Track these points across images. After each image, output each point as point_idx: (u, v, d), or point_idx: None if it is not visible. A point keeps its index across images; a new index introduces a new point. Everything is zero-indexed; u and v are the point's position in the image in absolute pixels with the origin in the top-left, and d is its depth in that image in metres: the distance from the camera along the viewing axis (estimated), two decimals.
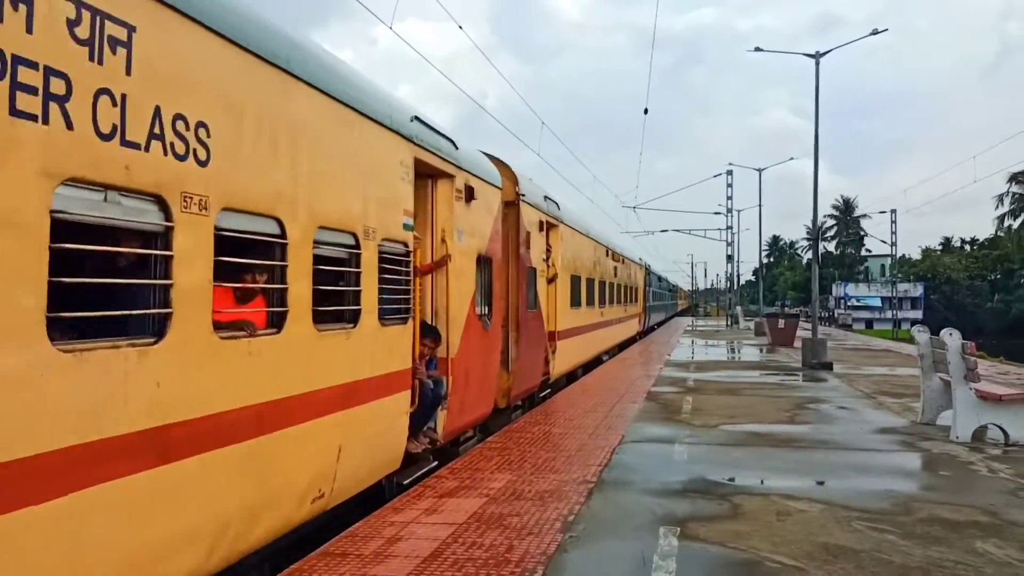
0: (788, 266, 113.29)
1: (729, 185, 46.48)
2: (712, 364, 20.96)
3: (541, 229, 13.07)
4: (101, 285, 3.77)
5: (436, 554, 5.25)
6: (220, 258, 4.30)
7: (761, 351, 26.54)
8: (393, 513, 6.26)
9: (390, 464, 6.77)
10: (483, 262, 9.56)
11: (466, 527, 5.87)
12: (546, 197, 13.74)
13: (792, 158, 65.67)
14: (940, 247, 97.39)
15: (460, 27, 12.95)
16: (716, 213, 50.07)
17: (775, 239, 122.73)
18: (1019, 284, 77.52)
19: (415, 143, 7.15)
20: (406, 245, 6.95)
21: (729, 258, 49.58)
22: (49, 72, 3.18)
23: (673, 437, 9.70)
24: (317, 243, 5.34)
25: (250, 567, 4.97)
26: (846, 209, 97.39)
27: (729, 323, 49.20)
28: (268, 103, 4.82)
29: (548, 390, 14.32)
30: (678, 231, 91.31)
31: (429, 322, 8.05)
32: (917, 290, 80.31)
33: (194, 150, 4.09)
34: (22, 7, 3.04)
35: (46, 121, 3.17)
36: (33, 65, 3.10)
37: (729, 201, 47.15)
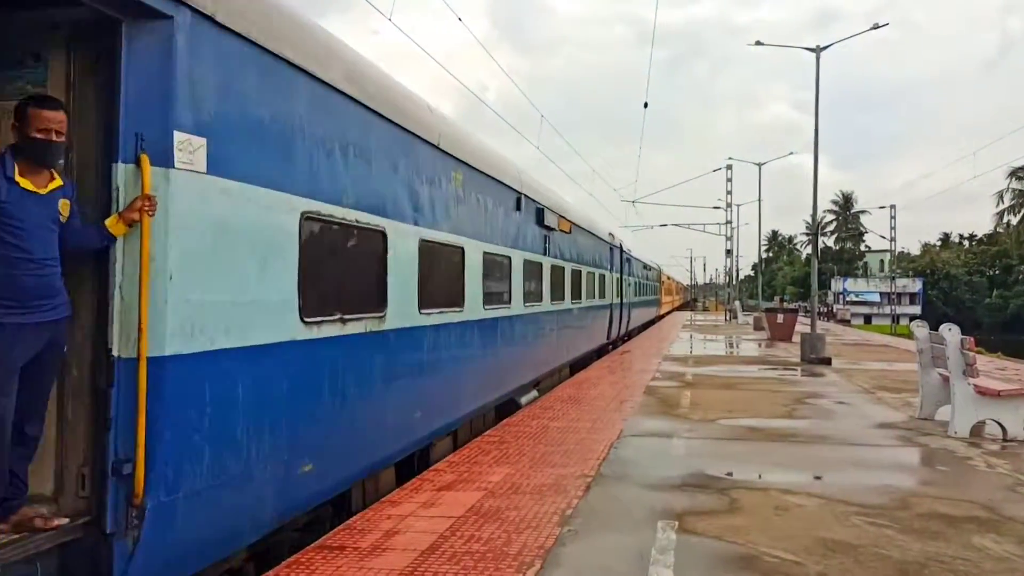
0: (787, 261, 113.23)
1: (729, 180, 46.43)
2: (710, 359, 20.97)
3: None
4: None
5: (434, 547, 5.25)
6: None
7: (759, 346, 26.55)
8: (391, 506, 6.26)
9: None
10: None
11: (464, 520, 5.87)
12: None
13: (792, 152, 65.82)
14: (939, 243, 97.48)
15: (460, 19, 12.90)
16: (715, 207, 50.03)
17: (774, 234, 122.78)
18: (1017, 280, 77.58)
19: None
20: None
21: (728, 253, 49.56)
22: None
23: (671, 431, 9.70)
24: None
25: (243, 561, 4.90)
26: (845, 204, 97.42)
27: (728, 318, 49.20)
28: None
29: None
30: (677, 225, 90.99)
31: None
32: (916, 286, 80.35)
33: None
34: None
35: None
36: None
37: (729, 196, 47.11)
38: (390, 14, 10.93)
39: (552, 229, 13.28)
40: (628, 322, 27.60)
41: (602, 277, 20.53)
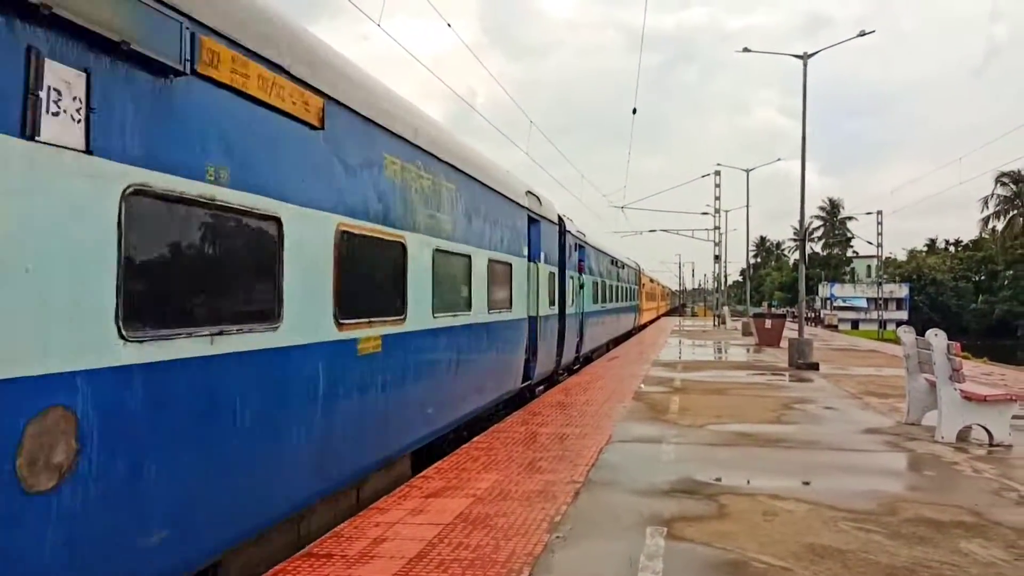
0: (775, 267, 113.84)
1: (717, 185, 46.59)
2: (699, 364, 21.00)
3: None
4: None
5: (422, 555, 5.22)
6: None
7: (748, 351, 26.61)
8: (378, 513, 6.22)
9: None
10: None
11: (452, 527, 5.84)
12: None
13: (779, 159, 66.22)
14: (925, 248, 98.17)
15: (449, 25, 12.90)
16: (704, 213, 50.21)
17: (762, 240, 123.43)
18: (1003, 286, 78.21)
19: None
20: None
21: (716, 258, 49.68)
22: None
23: (660, 437, 9.70)
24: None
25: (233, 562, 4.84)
26: (833, 210, 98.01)
27: (716, 323, 49.34)
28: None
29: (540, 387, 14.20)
30: (666, 231, 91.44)
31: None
32: (902, 291, 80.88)
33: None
34: None
35: None
36: None
37: (717, 201, 47.28)
38: (379, 19, 10.91)
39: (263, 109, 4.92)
40: (580, 342, 19.04)
41: (504, 270, 11.29)
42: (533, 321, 13.21)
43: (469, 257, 9.59)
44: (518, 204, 12.25)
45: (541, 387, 14.81)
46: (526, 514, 6.19)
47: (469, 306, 9.57)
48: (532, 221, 13.28)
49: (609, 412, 11.71)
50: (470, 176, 9.60)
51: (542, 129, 22.02)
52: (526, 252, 12.75)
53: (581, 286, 19.25)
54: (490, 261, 10.45)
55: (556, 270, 15.76)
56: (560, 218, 16.26)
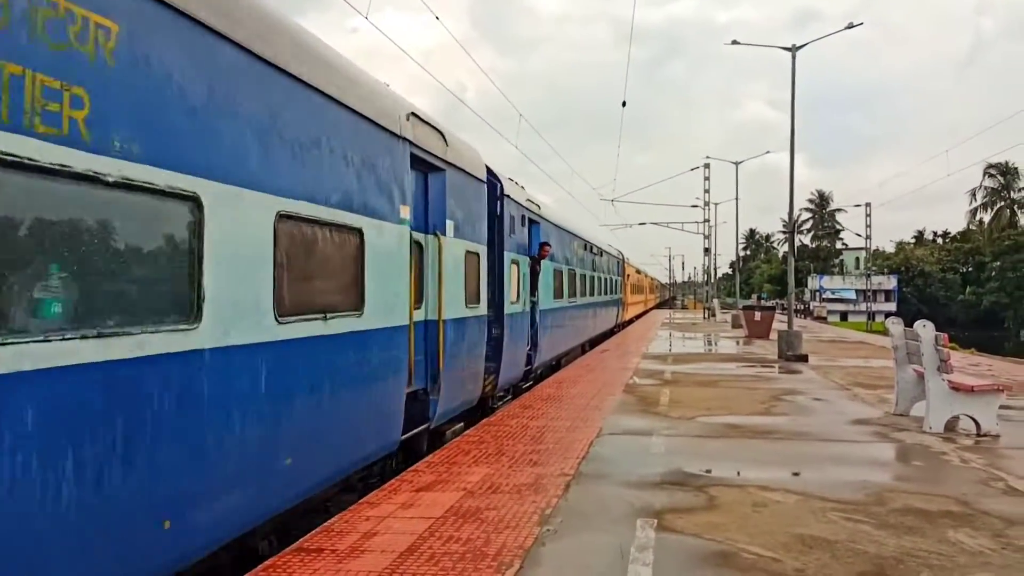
0: (765, 259, 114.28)
1: (706, 178, 46.67)
2: (689, 356, 21.06)
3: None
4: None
5: (413, 548, 5.21)
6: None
7: (738, 343, 26.71)
8: (369, 508, 6.22)
9: None
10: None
11: (443, 521, 5.84)
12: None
13: (768, 151, 66.45)
14: (913, 240, 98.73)
15: (437, 18, 12.86)
16: (694, 206, 50.31)
17: (752, 232, 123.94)
18: (990, 277, 78.71)
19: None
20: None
21: (706, 251, 49.83)
22: None
23: (651, 429, 9.72)
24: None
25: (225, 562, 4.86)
26: (821, 203, 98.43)
27: (706, 316, 49.50)
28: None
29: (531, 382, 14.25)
30: (656, 224, 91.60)
31: None
32: (891, 283, 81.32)
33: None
34: None
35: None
36: None
37: (707, 194, 47.36)
38: (367, 12, 10.86)
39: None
40: (533, 351, 14.64)
41: (345, 241, 6.19)
42: (430, 329, 8.62)
43: (198, 203, 4.32)
44: (384, 130, 7.08)
45: (460, 424, 10.02)
46: (517, 507, 6.19)
47: (219, 312, 4.50)
48: (428, 168, 8.58)
49: (599, 405, 11.72)
50: (205, 27, 4.41)
51: (532, 123, 21.70)
52: (406, 215, 7.61)
53: (534, 275, 14.65)
54: (288, 218, 5.34)
55: (483, 250, 10.69)
56: (492, 174, 11.51)
